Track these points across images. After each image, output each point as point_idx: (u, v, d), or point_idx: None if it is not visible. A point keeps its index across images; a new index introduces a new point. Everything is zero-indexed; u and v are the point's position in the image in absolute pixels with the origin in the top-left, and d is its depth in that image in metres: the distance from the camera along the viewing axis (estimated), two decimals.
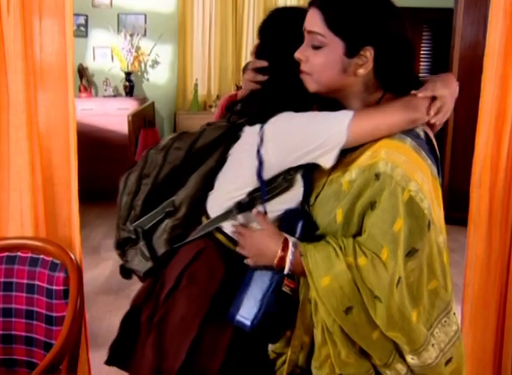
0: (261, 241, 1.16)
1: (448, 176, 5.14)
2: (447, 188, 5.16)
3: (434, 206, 1.11)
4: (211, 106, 6.17)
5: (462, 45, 4.80)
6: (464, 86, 5.23)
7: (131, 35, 5.93)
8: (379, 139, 1.11)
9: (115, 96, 5.98)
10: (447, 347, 1.16)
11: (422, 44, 5.93)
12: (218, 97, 6.07)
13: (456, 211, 4.99)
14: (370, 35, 1.11)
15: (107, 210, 5.27)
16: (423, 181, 1.09)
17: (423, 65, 5.98)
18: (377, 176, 1.08)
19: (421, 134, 1.14)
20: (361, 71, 1.14)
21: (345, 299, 1.07)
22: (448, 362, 1.16)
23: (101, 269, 3.99)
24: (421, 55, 5.96)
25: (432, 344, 1.14)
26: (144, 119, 5.03)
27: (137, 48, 5.98)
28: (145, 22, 6.07)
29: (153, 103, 6.00)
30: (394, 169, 1.07)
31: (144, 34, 6.06)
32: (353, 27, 1.11)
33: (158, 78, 6.22)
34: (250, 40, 6.14)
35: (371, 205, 1.08)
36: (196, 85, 6.08)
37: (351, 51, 1.13)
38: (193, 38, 6.11)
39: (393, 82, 1.18)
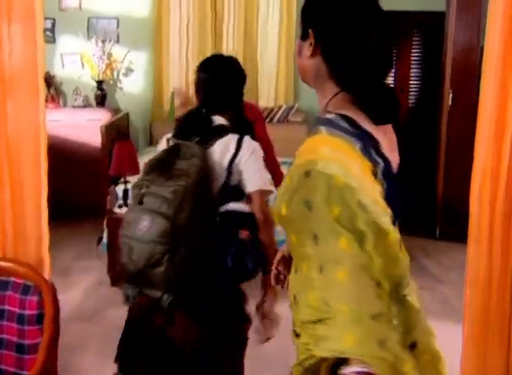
0: None
1: (442, 189, 5.19)
2: (441, 203, 5.20)
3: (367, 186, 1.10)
4: None
5: (455, 50, 4.88)
6: (458, 93, 5.34)
7: (103, 41, 5.93)
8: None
9: (85, 106, 5.97)
10: None
11: (412, 49, 6.01)
12: None
13: (452, 227, 5.06)
14: (313, 17, 1.24)
15: (77, 229, 5.23)
16: (351, 167, 1.10)
17: (413, 71, 6.06)
18: (307, 173, 1.09)
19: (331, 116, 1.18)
20: (306, 52, 1.25)
21: None
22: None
23: (71, 293, 3.96)
24: (411, 61, 6.04)
25: None
26: (117, 131, 5.02)
27: (109, 55, 5.98)
28: (118, 27, 6.08)
29: (127, 114, 6.01)
30: (324, 164, 1.08)
31: (117, 40, 6.08)
32: (303, 11, 1.28)
33: (132, 87, 6.23)
34: (230, 46, 6.17)
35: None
36: (173, 94, 6.08)
37: (303, 34, 1.27)
38: (170, 44, 6.13)
39: (343, 75, 1.22)
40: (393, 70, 5.96)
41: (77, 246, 4.87)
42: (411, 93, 6.15)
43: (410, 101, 6.15)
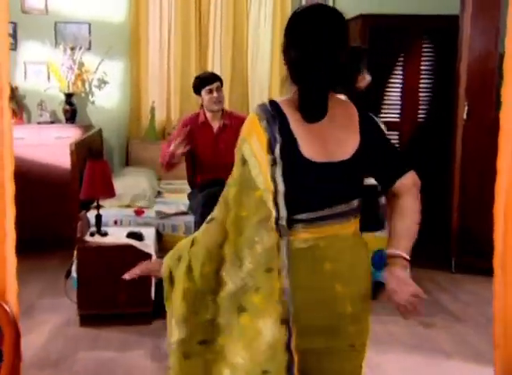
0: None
1: (458, 215, 5.16)
2: (457, 231, 5.16)
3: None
4: (170, 134, 6.13)
5: (470, 57, 4.88)
6: (474, 105, 5.32)
7: (72, 49, 5.92)
8: None
9: (52, 122, 5.96)
10: None
11: (422, 58, 5.99)
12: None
13: (470, 257, 5.04)
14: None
15: (42, 262, 5.19)
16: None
17: (423, 82, 6.03)
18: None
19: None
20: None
21: None
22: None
23: (35, 335, 3.90)
24: (421, 71, 6.01)
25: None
26: (89, 150, 5.02)
27: (80, 65, 5.97)
28: (89, 33, 6.10)
29: (100, 130, 5.96)
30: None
31: (89, 48, 6.08)
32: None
33: (107, 101, 6.25)
34: (217, 54, 6.23)
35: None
36: (153, 109, 6.12)
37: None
38: (149, 52, 6.16)
39: (293, 80, 1.90)
40: (400, 81, 5.96)
41: (42, 281, 4.82)
42: (421, 106, 6.08)
43: (419, 116, 6.10)
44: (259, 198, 1.81)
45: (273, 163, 1.81)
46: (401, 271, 1.86)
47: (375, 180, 2.01)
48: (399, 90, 6.03)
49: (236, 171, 1.88)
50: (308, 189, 1.86)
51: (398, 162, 1.97)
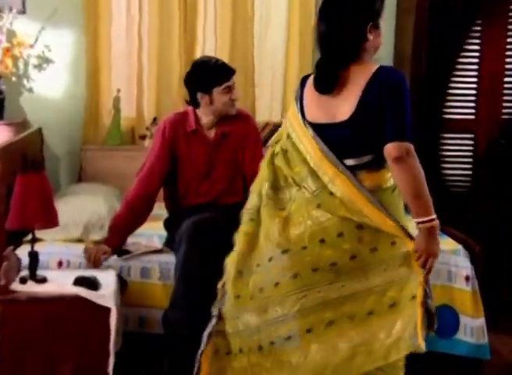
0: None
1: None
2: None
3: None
4: (143, 137, 6.19)
5: None
6: None
7: None
8: None
9: None
10: None
11: (510, 26, 5.92)
12: (155, 121, 6.11)
13: None
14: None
15: None
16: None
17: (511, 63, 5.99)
18: None
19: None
20: None
21: None
22: None
23: None
24: (507, 47, 5.97)
25: None
26: (23, 159, 4.76)
27: (10, 34, 5.93)
28: None
29: (40, 131, 5.94)
30: None
31: (23, 11, 6.04)
32: None
33: (50, 88, 6.21)
34: (209, 30, 6.28)
35: None
36: (117, 101, 6.10)
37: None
38: (112, 21, 6.17)
39: None
40: (475, 62, 6.02)
41: None
42: (506, 97, 6.04)
43: (504, 111, 6.04)
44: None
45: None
46: (423, 236, 2.92)
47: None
48: (473, 75, 6.06)
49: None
50: None
51: (392, 126, 2.85)
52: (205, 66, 4.38)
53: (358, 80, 2.89)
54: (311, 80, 3.05)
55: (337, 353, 2.98)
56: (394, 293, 2.98)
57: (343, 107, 2.91)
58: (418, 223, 2.88)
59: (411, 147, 2.83)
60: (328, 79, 2.92)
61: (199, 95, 4.30)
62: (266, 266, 3.11)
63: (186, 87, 4.41)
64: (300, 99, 3.10)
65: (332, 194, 2.95)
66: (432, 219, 2.88)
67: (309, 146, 3.01)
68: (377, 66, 2.91)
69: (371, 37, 2.95)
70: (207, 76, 4.30)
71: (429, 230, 2.88)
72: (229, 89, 4.31)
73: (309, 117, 3.04)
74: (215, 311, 3.28)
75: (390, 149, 2.83)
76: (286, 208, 3.10)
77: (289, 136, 3.13)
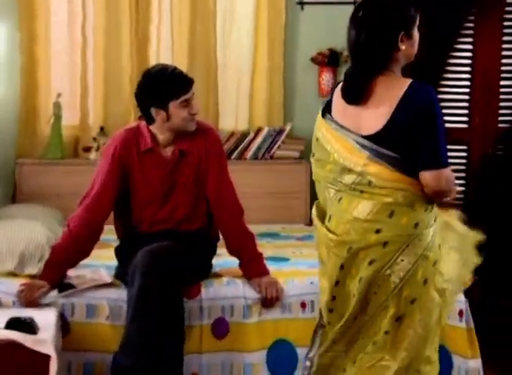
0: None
1: None
2: None
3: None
4: (87, 149, 6.13)
5: None
6: None
7: None
8: None
9: None
10: None
11: (504, 24, 5.99)
12: (102, 130, 6.09)
13: None
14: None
15: None
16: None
17: (507, 63, 6.07)
18: None
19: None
20: None
21: None
22: None
23: None
24: (503, 46, 6.04)
25: None
26: None
27: None
28: None
29: None
30: None
31: None
32: None
33: None
34: (165, 26, 6.28)
35: None
36: (57, 107, 6.03)
37: None
38: (51, 14, 6.13)
39: None
40: (467, 62, 6.09)
41: None
42: (503, 103, 6.08)
43: (501, 119, 6.09)
44: None
45: None
46: None
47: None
48: (466, 77, 6.15)
49: None
50: None
51: (427, 151, 3.00)
52: (159, 76, 4.27)
53: (388, 94, 3.03)
54: (339, 88, 3.23)
55: None
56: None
57: (368, 120, 3.07)
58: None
59: (448, 172, 3.06)
60: (356, 89, 3.08)
61: (153, 111, 4.19)
62: None
63: (138, 102, 4.31)
64: (328, 105, 3.29)
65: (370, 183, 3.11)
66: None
67: (337, 143, 3.19)
68: (409, 82, 3.03)
69: (403, 46, 3.05)
70: (162, 88, 4.19)
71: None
72: (188, 102, 4.23)
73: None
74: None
75: (434, 177, 3.00)
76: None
77: (318, 139, 3.32)
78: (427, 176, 3.00)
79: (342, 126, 3.18)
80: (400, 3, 3.07)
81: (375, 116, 3.05)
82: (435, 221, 3.17)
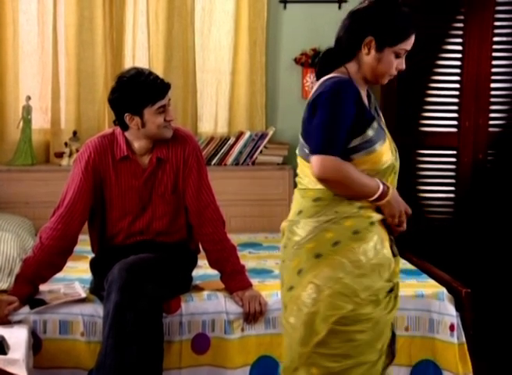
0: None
1: None
2: None
3: None
4: (59, 155, 6.10)
5: None
6: None
7: None
8: None
9: None
10: None
11: (495, 31, 5.95)
12: (75, 135, 6.06)
13: None
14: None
15: None
16: None
17: (497, 65, 6.05)
18: None
19: None
20: None
21: None
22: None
23: None
24: (493, 50, 6.00)
25: None
26: None
27: None
28: None
29: None
30: None
31: None
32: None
33: None
34: (140, 25, 6.28)
35: None
36: (27, 109, 6.01)
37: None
38: (20, 12, 6.11)
39: None
40: (457, 66, 6.05)
41: None
42: (494, 106, 6.08)
43: (491, 123, 6.06)
44: None
45: None
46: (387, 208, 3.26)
47: None
48: (456, 80, 6.11)
49: None
50: None
51: (309, 139, 3.18)
52: (134, 82, 4.21)
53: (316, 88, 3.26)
54: None
55: None
56: None
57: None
58: (372, 201, 3.21)
59: (331, 160, 3.09)
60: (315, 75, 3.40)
61: (127, 117, 4.15)
62: None
63: (112, 107, 4.26)
64: None
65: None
66: (381, 194, 3.17)
67: None
68: (330, 76, 3.23)
69: (365, 50, 3.17)
70: (136, 95, 4.14)
71: (386, 202, 3.21)
72: (164, 108, 4.20)
73: None
74: None
75: (314, 167, 3.11)
76: None
77: None
78: (312, 166, 3.14)
79: None
80: (390, 14, 3.15)
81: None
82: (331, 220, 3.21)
